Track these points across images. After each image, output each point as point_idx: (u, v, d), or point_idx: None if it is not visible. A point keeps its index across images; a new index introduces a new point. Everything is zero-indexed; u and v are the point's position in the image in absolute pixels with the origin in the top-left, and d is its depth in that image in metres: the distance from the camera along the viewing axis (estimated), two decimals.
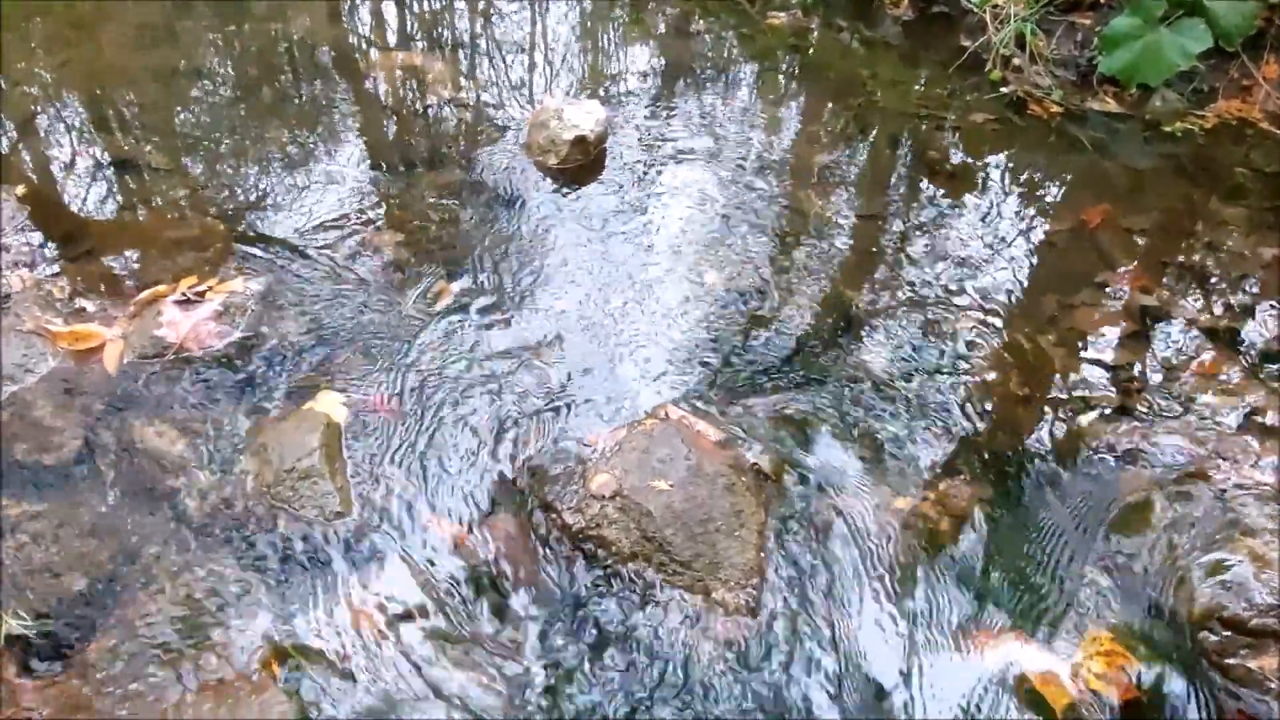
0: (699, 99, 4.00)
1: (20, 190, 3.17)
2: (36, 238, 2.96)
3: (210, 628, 1.92)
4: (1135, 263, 3.09)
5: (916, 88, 4.09)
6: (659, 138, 3.67)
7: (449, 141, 3.65)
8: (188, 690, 1.79)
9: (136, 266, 2.89)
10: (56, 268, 2.84)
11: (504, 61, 4.29)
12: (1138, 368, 2.67)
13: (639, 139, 3.65)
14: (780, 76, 4.30)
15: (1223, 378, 2.62)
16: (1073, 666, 1.89)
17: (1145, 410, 2.52)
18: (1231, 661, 1.90)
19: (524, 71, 4.22)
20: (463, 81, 4.08)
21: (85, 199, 3.22)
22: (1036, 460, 2.37)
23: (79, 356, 2.50)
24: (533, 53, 4.38)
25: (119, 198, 3.23)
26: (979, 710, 1.84)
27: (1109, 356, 2.71)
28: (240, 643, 1.89)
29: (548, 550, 2.12)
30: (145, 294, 2.68)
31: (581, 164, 3.44)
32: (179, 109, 3.74)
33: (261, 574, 2.03)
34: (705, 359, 2.64)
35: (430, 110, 3.85)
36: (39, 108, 3.70)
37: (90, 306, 2.69)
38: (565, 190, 3.33)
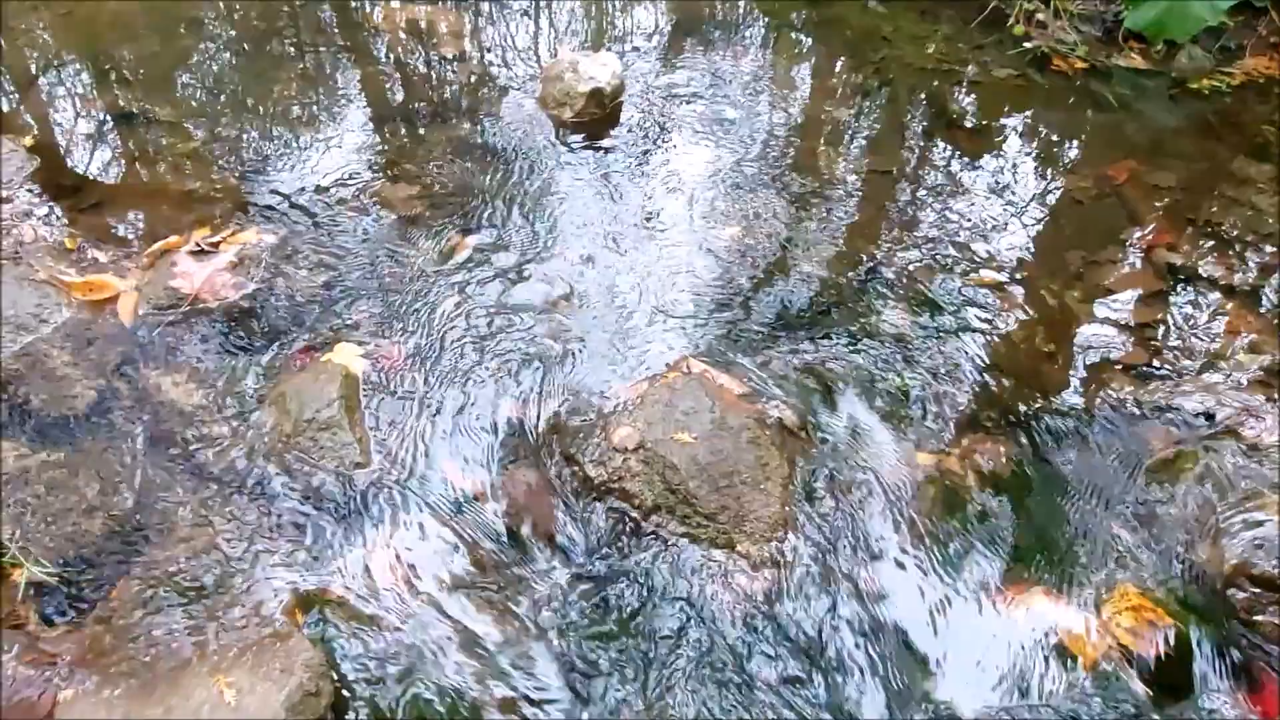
0: (716, 53, 3.93)
1: (28, 141, 3.13)
2: (47, 188, 2.92)
3: (232, 576, 1.91)
4: (1161, 220, 3.03)
5: (937, 43, 4.00)
6: (675, 92, 3.60)
7: (461, 95, 3.59)
8: (211, 637, 1.78)
9: (148, 218, 2.86)
10: (68, 219, 2.80)
11: (516, 14, 4.20)
12: (1164, 324, 2.64)
13: (655, 92, 3.59)
14: (798, 32, 4.21)
15: (1249, 335, 2.59)
16: (1101, 621, 1.88)
17: (1172, 367, 2.48)
18: (1260, 618, 1.88)
19: (537, 24, 4.15)
20: (474, 35, 4.01)
21: (95, 151, 3.18)
22: (1062, 416, 2.34)
23: (93, 307, 2.47)
24: (545, 5, 4.29)
25: (129, 150, 3.19)
26: (1007, 665, 1.83)
27: (1135, 313, 2.67)
28: (263, 591, 1.88)
29: (569, 503, 2.10)
30: (158, 245, 2.65)
31: (597, 117, 3.38)
32: (187, 62, 3.67)
33: (282, 524, 2.01)
34: (725, 313, 2.61)
35: (441, 64, 3.78)
36: (46, 60, 3.64)
37: (103, 257, 2.65)
38: (581, 144, 3.28)
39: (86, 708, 1.64)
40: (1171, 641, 1.82)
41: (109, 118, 3.32)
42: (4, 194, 2.84)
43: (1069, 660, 1.83)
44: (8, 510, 1.96)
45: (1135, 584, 1.95)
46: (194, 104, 3.43)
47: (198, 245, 2.62)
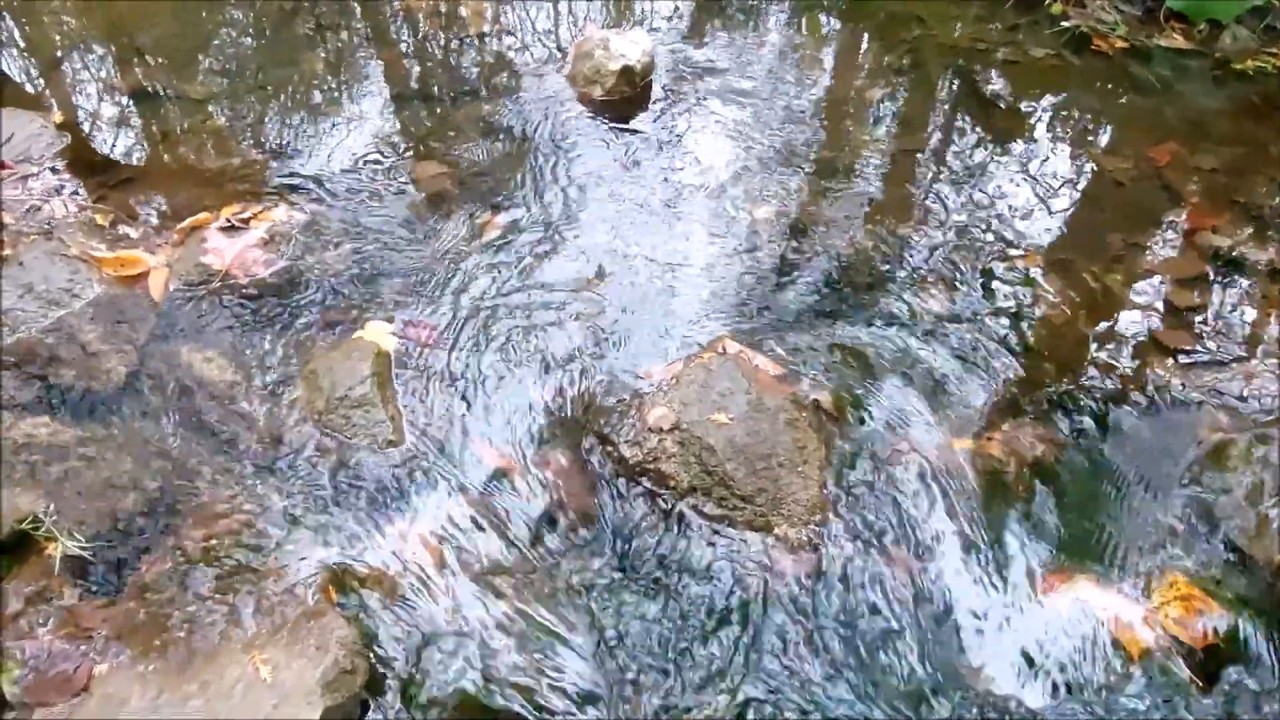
0: (745, 32, 3.87)
1: (57, 118, 3.11)
2: (77, 165, 2.91)
3: (265, 553, 1.89)
4: (1204, 202, 2.96)
5: (972, 23, 3.93)
6: (705, 70, 3.55)
7: (488, 74, 3.54)
8: (245, 613, 1.77)
9: (178, 195, 2.84)
10: (98, 195, 2.79)
11: None
12: (1209, 309, 2.57)
13: (685, 71, 3.53)
14: (828, 12, 4.14)
15: None
16: (1149, 611, 1.83)
17: (1217, 352, 2.42)
18: None
19: (557, 5, 4.09)
20: (498, 14, 3.96)
21: (123, 129, 3.16)
22: (1105, 402, 2.28)
23: (124, 283, 2.46)
24: None
25: (158, 129, 3.17)
26: (1052, 653, 1.79)
27: (1178, 297, 2.61)
28: (296, 568, 1.87)
29: (603, 483, 2.07)
30: (188, 221, 2.63)
31: (627, 96, 3.33)
32: (213, 43, 3.65)
33: (315, 501, 2.00)
34: (758, 293, 2.57)
35: (467, 43, 3.74)
36: (72, 41, 3.63)
37: (133, 233, 2.64)
38: (611, 122, 3.23)
39: (122, 682, 1.63)
40: (1222, 632, 1.78)
41: (137, 97, 3.30)
42: (34, 170, 2.84)
43: (1116, 650, 1.79)
44: (43, 485, 1.95)
45: (1184, 573, 1.90)
46: (221, 84, 3.40)
47: (228, 221, 2.61)
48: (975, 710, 1.72)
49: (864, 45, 3.91)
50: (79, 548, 1.84)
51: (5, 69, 3.44)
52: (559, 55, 3.60)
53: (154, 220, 2.72)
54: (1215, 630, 1.78)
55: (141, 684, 1.63)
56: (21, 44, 3.62)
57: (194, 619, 1.76)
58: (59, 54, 3.55)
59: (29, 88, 3.37)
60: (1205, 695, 1.72)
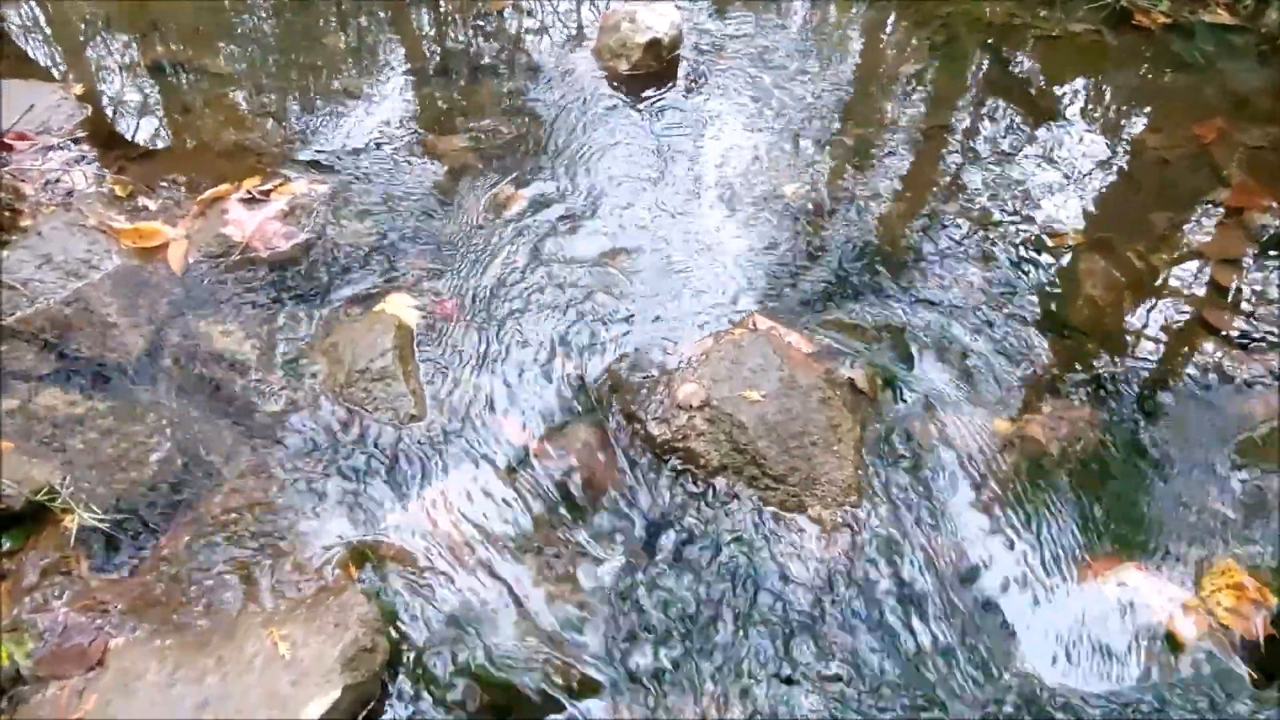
0: (774, 6, 3.78)
1: (79, 89, 3.08)
2: (97, 137, 2.87)
3: (284, 528, 1.85)
4: (1252, 181, 2.86)
5: None
6: (733, 45, 3.47)
7: (513, 48, 3.48)
8: (263, 589, 1.73)
9: (198, 167, 2.79)
10: (118, 167, 2.75)
11: None
12: (1257, 289, 2.48)
13: (713, 45, 3.45)
14: None
15: None
16: (1199, 599, 1.76)
17: (1267, 333, 2.33)
18: None
19: None
20: None
21: (145, 101, 3.12)
22: (1151, 383, 2.20)
23: (143, 254, 2.41)
24: None
25: (178, 101, 3.12)
26: (1097, 641, 1.72)
27: (1225, 277, 2.52)
28: (315, 544, 1.82)
29: (630, 461, 2.01)
30: (209, 193, 2.58)
31: (654, 70, 3.26)
32: (234, 18, 3.60)
33: (335, 476, 1.95)
34: (788, 270, 2.50)
35: (491, 18, 3.68)
36: (94, 15, 3.59)
37: (152, 205, 2.60)
38: (637, 97, 3.16)
39: (138, 656, 1.59)
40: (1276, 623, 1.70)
41: (158, 70, 3.26)
42: (54, 141, 2.80)
43: (1165, 639, 1.71)
44: (59, 457, 1.91)
45: (1236, 561, 1.82)
46: (243, 58, 3.36)
47: (249, 194, 2.56)
48: (1016, 700, 1.65)
49: (897, 21, 3.82)
50: (96, 520, 1.80)
51: (28, 42, 3.41)
52: (582, 29, 3.52)
53: (174, 192, 2.67)
54: (1270, 620, 1.70)
55: (158, 658, 1.59)
56: (43, 18, 3.58)
57: (211, 594, 1.72)
58: (81, 28, 3.51)
59: (50, 61, 3.34)
60: (1261, 688, 1.65)
